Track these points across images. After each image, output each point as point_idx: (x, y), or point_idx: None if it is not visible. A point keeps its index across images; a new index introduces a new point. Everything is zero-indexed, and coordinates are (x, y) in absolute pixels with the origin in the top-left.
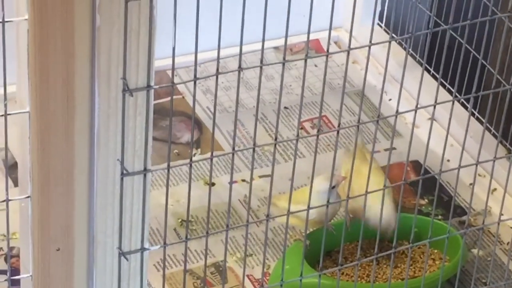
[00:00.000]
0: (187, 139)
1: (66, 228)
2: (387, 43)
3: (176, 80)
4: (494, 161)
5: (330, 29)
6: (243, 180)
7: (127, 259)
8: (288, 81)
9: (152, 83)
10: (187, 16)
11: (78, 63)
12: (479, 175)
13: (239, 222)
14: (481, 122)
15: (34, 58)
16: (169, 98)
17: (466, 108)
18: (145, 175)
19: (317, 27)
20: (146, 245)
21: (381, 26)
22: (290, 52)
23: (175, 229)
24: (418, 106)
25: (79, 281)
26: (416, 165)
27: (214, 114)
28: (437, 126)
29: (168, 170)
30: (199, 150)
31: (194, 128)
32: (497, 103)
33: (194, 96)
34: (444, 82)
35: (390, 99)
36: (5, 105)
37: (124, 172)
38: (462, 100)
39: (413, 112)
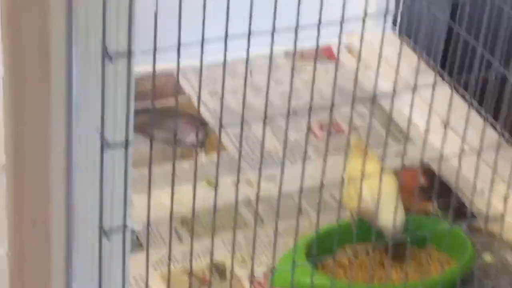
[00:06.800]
0: (191, 140)
1: (43, 200)
2: (400, 48)
3: (184, 82)
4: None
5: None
6: (247, 182)
7: (108, 237)
8: (297, 86)
9: (133, 49)
10: (195, 19)
11: (54, 22)
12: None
13: (242, 224)
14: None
15: (6, 15)
16: (174, 98)
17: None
18: (126, 148)
19: (329, 34)
20: (128, 223)
21: (395, 32)
22: (300, 57)
23: (175, 229)
24: (431, 111)
25: (57, 259)
26: (427, 170)
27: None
28: (451, 133)
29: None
30: (203, 150)
31: (200, 129)
32: None
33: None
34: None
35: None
36: None
37: (105, 143)
38: (476, 106)
39: (426, 119)
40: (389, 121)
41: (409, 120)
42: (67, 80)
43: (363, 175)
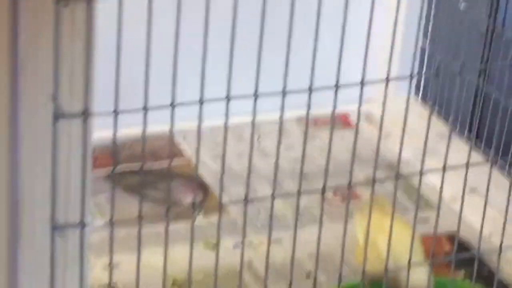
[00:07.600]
0: (189, 201)
1: None
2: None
3: (184, 145)
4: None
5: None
6: (250, 245)
7: (61, 236)
8: (310, 152)
9: None
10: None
11: None
12: None
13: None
14: None
15: None
16: (172, 161)
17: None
18: (85, 120)
19: (345, 100)
20: (88, 220)
21: (416, 98)
22: (314, 124)
23: None
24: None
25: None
26: (453, 238)
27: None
28: (478, 199)
29: None
30: (202, 211)
31: (199, 191)
32: None
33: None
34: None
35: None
36: None
37: (59, 113)
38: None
39: (451, 184)
40: (418, 196)
41: (439, 190)
42: (11, 27)
43: (382, 232)
